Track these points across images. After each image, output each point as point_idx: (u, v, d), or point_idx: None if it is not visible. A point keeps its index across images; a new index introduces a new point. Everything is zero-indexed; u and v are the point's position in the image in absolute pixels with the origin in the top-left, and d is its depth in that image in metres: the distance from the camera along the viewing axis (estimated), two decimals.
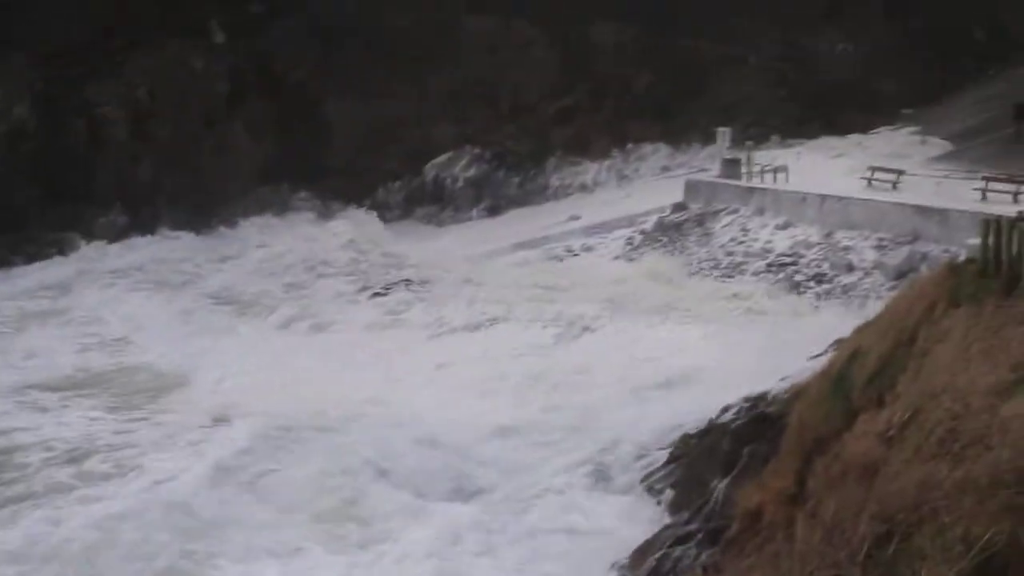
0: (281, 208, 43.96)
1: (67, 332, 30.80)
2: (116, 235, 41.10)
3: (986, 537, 6.62)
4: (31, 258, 38.98)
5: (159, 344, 29.10)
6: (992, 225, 13.76)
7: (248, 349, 28.32)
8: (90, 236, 40.74)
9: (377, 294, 34.24)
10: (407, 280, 35.12)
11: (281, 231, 42.06)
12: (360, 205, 45.33)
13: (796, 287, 31.55)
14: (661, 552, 14.68)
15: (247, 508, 18.22)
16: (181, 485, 18.92)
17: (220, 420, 22.48)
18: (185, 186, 42.60)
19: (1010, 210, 20.53)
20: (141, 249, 40.45)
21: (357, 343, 28.98)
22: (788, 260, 33.22)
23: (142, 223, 41.62)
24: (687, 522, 15.52)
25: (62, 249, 39.77)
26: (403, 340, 28.99)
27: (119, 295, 34.93)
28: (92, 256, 39.84)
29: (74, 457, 20.85)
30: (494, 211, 45.48)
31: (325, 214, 44.20)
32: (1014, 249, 13.09)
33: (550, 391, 23.77)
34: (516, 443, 20.93)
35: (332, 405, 22.57)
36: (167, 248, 40.72)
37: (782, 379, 18.37)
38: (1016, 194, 30.92)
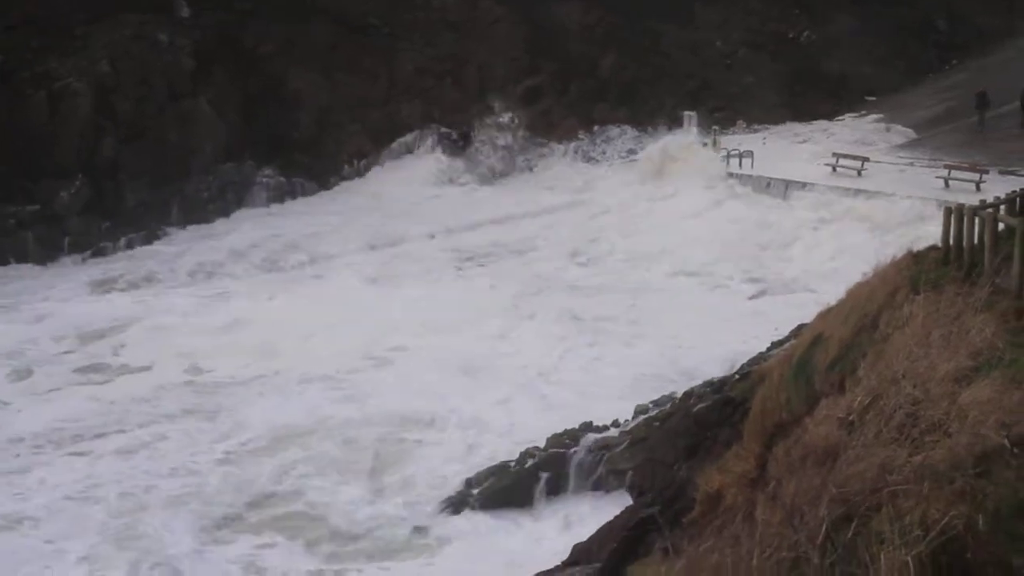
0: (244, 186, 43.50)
1: None
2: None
3: (944, 521, 6.70)
4: None
5: None
6: (954, 213, 13.88)
7: None
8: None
9: None
10: None
11: None
12: (326, 183, 45.00)
13: None
14: (623, 533, 14.75)
15: None
16: None
17: None
18: (148, 161, 42.04)
19: (972, 198, 20.73)
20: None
21: None
22: None
23: (104, 199, 40.97)
24: (649, 504, 15.60)
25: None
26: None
27: None
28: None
29: None
30: None
31: (288, 191, 43.93)
32: (975, 237, 13.20)
33: None
34: None
35: None
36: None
37: (745, 364, 18.51)
38: (978, 183, 31.24)
